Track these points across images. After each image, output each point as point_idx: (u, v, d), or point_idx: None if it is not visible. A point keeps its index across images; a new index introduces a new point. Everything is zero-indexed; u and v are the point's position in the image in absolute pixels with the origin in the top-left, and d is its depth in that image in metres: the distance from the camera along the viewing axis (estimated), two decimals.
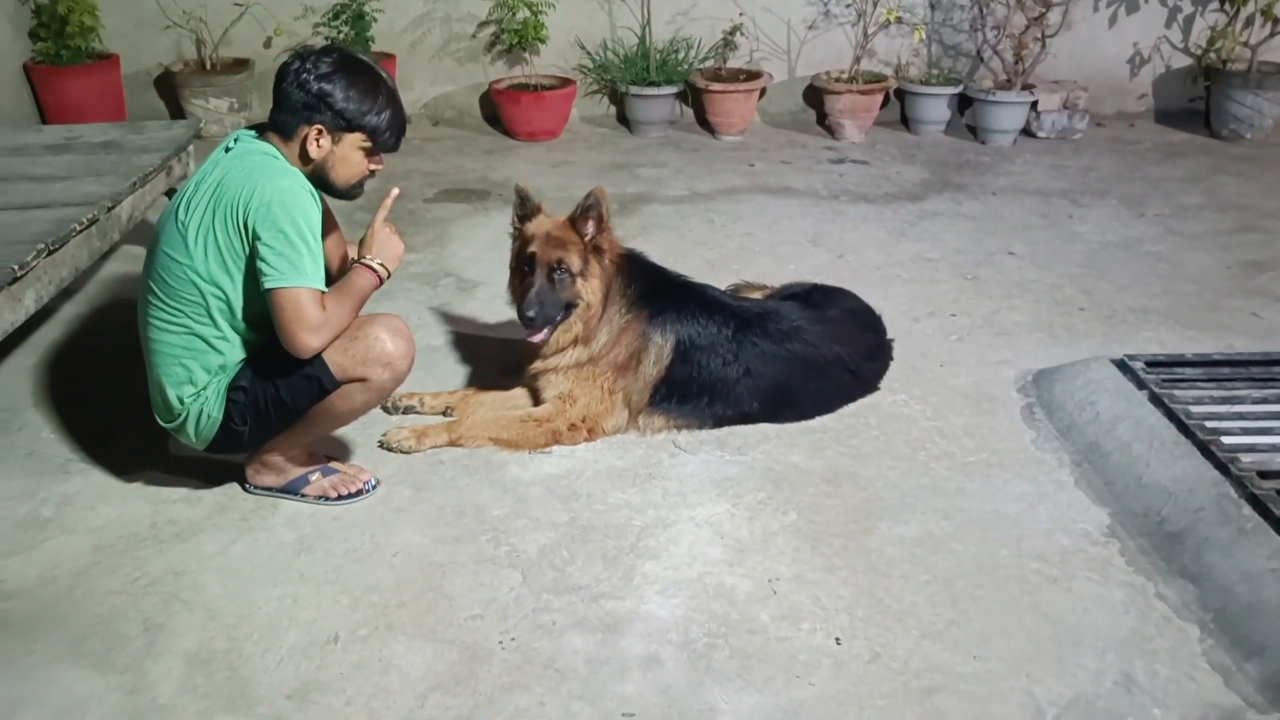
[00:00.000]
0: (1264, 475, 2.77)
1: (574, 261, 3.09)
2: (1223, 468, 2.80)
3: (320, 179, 2.65)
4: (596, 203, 3.07)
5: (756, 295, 3.72)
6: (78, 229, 3.36)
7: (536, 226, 3.13)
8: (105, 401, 3.34)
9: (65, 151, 4.14)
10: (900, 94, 6.61)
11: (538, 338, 3.12)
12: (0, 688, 2.26)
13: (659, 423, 3.23)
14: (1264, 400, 3.21)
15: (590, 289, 3.11)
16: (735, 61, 6.60)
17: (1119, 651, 2.37)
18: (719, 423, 3.24)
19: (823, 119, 6.61)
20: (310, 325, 2.50)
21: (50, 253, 3.19)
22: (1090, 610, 2.50)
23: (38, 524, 2.79)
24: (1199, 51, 6.56)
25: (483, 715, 2.19)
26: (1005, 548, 2.71)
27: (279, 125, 2.62)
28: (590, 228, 3.10)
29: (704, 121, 6.54)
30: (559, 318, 3.13)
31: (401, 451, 3.09)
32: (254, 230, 2.48)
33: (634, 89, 6.37)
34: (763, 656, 2.35)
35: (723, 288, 3.68)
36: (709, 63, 6.61)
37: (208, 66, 6.26)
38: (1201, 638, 2.41)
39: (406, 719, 2.18)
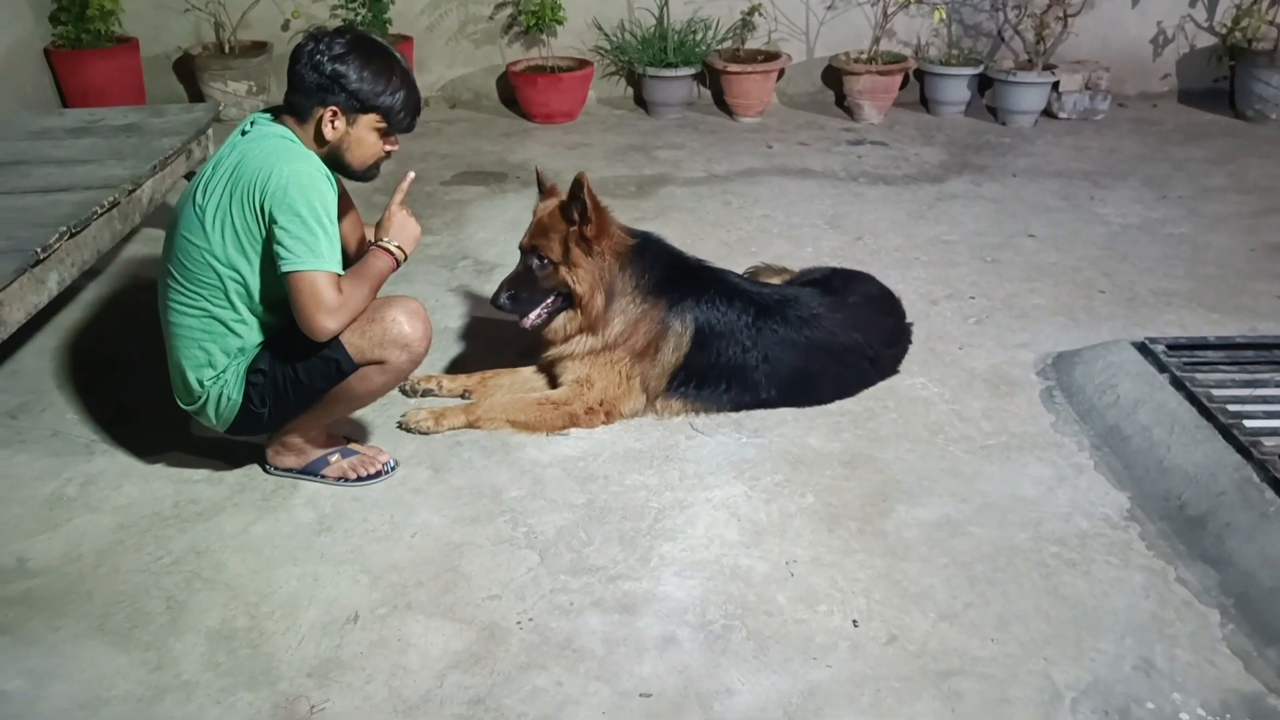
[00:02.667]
0: None
1: (554, 249, 3.07)
2: (1245, 451, 2.78)
3: (336, 161, 2.66)
4: (579, 190, 3.01)
5: (776, 279, 3.71)
6: (99, 212, 3.38)
7: (539, 209, 3.14)
8: (127, 383, 3.37)
9: (87, 135, 4.17)
10: (920, 75, 6.55)
11: (525, 323, 3.13)
12: (30, 661, 2.30)
13: (676, 407, 3.23)
14: None
15: (576, 278, 3.07)
16: (753, 42, 6.56)
17: (1138, 636, 2.36)
18: (736, 408, 3.23)
19: (841, 100, 6.57)
20: (327, 308, 2.51)
21: (72, 235, 3.21)
22: (1109, 594, 2.49)
23: (63, 503, 2.83)
24: (1224, 30, 6.47)
25: (500, 694, 2.21)
26: (1024, 531, 2.71)
27: (294, 107, 2.62)
28: (576, 216, 3.05)
29: (722, 103, 6.51)
30: (553, 305, 3.12)
31: (420, 433, 3.11)
32: (270, 214, 2.49)
33: (651, 70, 6.34)
34: (779, 638, 2.36)
35: (741, 271, 3.68)
36: (727, 44, 6.57)
37: (226, 49, 6.27)
38: (1222, 622, 2.39)
39: (426, 697, 2.20)
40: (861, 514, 2.78)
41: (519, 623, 2.40)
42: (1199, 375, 3.19)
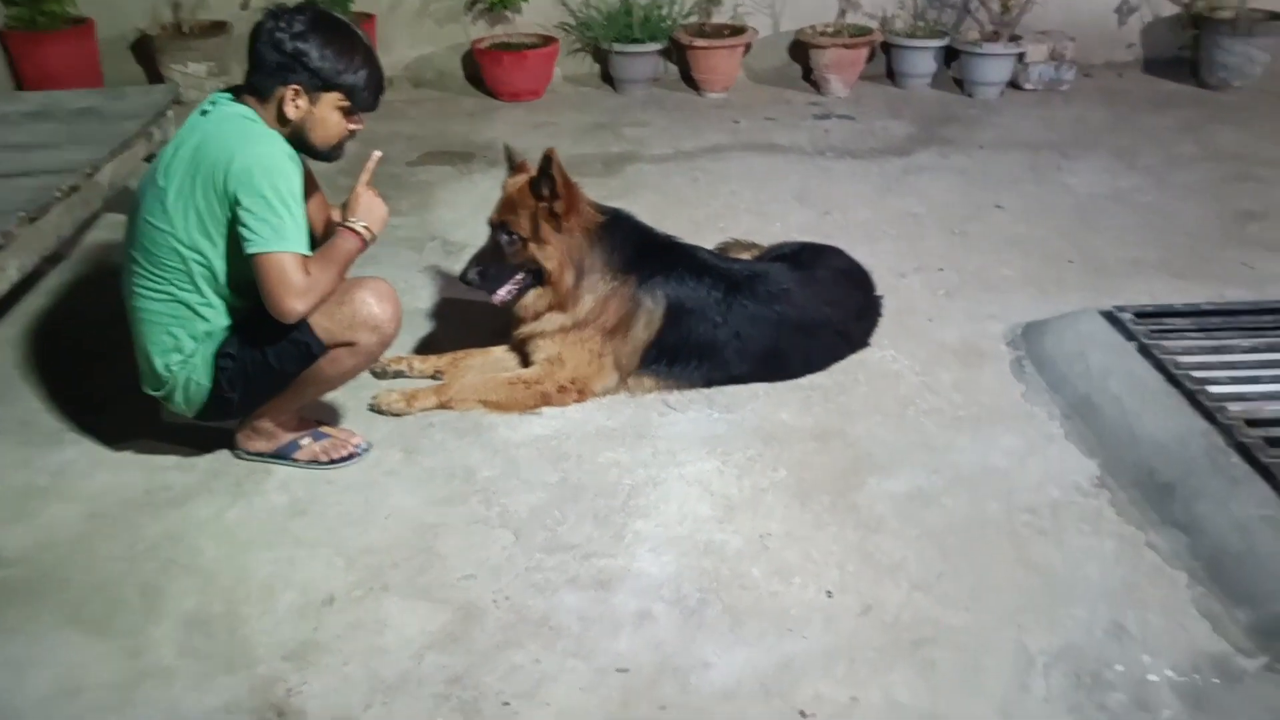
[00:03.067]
0: (1252, 423, 2.78)
1: (522, 225, 3.06)
2: (1210, 417, 2.82)
3: (299, 141, 2.62)
4: (548, 166, 2.99)
5: (746, 255, 3.71)
6: (59, 196, 3.33)
7: (509, 185, 3.13)
8: (94, 370, 3.32)
9: (44, 119, 4.09)
10: (886, 47, 6.55)
11: (496, 299, 3.13)
12: (8, 650, 2.28)
13: (648, 384, 3.23)
14: (1253, 349, 3.22)
15: (545, 254, 3.07)
16: (719, 17, 6.53)
17: (1109, 601, 2.39)
18: (708, 384, 3.24)
19: (808, 74, 6.55)
20: (295, 290, 2.48)
21: (32, 221, 3.16)
22: (1081, 561, 2.52)
23: (34, 493, 2.79)
24: None
25: (478, 672, 2.21)
26: (995, 501, 2.73)
27: (255, 87, 2.58)
28: (545, 192, 3.04)
29: (688, 79, 6.48)
30: (522, 282, 3.12)
31: (392, 414, 3.09)
32: (234, 195, 2.45)
33: (617, 47, 6.30)
34: (754, 611, 2.37)
35: (710, 246, 3.67)
36: (693, 19, 6.53)
37: (184, 30, 6.16)
38: (1191, 585, 2.43)
39: (404, 677, 2.20)
40: (834, 487, 2.80)
41: (495, 601, 2.40)
42: (1166, 343, 3.23)
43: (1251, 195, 4.72)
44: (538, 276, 3.12)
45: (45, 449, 2.97)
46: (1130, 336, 3.26)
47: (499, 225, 3.11)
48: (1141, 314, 3.42)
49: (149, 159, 4.05)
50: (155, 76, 6.22)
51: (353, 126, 2.68)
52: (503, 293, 3.13)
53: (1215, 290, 3.80)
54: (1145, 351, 3.17)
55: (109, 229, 4.26)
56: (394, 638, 2.31)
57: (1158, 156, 5.23)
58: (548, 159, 2.98)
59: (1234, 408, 2.86)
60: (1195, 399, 2.89)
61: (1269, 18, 6.28)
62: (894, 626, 2.33)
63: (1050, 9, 6.44)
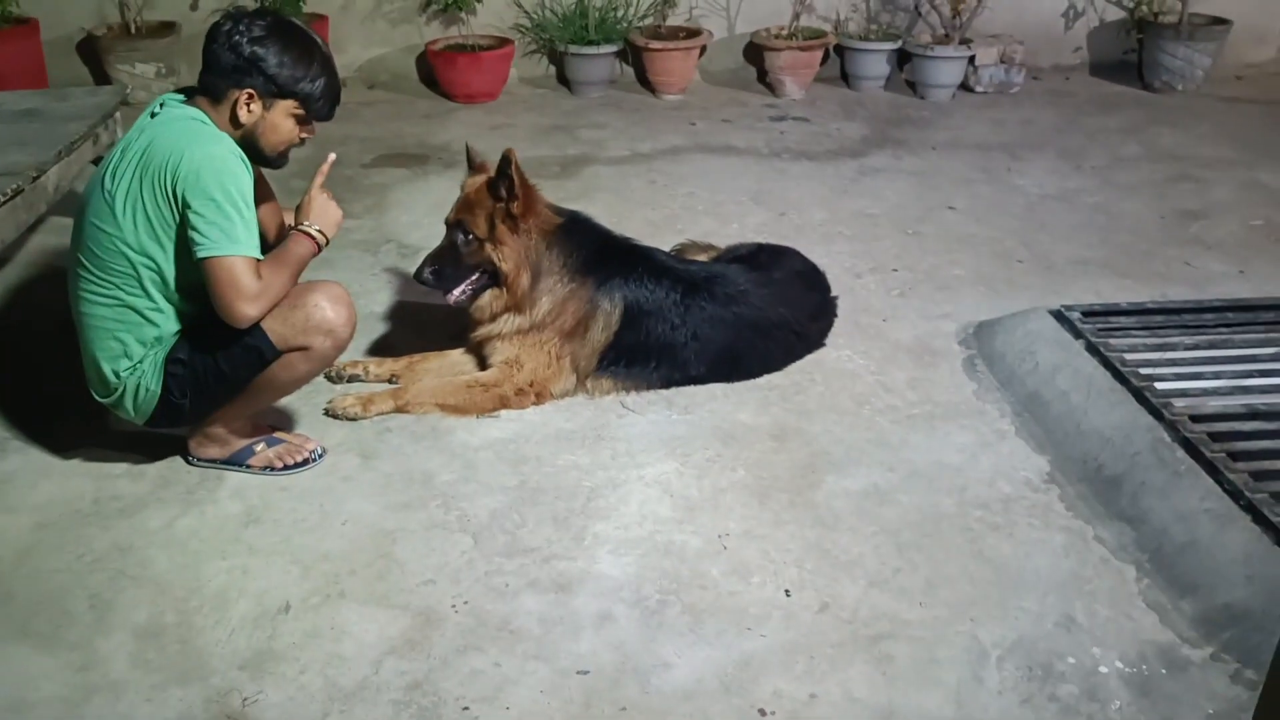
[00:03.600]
0: (1196, 419, 2.85)
1: (479, 225, 3.06)
2: (1157, 413, 2.88)
3: (249, 145, 2.58)
4: (506, 167, 2.99)
5: (702, 256, 3.72)
6: (2, 201, 3.26)
7: (467, 184, 3.14)
8: (40, 378, 3.26)
9: None
10: (840, 50, 6.61)
11: (450, 299, 3.13)
12: None
13: (606, 386, 3.23)
14: (1195, 346, 3.30)
15: (501, 255, 3.06)
16: (674, 19, 6.55)
17: (1059, 593, 2.44)
18: (667, 385, 3.25)
19: (763, 76, 6.60)
20: (247, 294, 2.45)
21: None
22: (1031, 555, 2.57)
23: None
24: (1131, 4, 6.64)
25: (438, 678, 2.20)
26: (949, 497, 2.77)
27: (208, 88, 2.55)
28: (503, 193, 3.04)
29: (644, 81, 6.49)
30: (476, 283, 3.12)
31: (348, 418, 3.06)
32: (183, 198, 2.42)
33: (573, 48, 6.30)
34: (714, 611, 2.39)
35: (667, 248, 3.69)
36: (648, 21, 6.55)
37: (132, 30, 6.06)
38: (1138, 578, 2.49)
39: (362, 684, 2.19)
40: (791, 486, 2.82)
41: (454, 606, 2.39)
42: (1112, 340, 3.29)
43: (1192, 195, 4.83)
44: (493, 278, 3.11)
45: None
46: (1078, 335, 3.33)
47: (455, 225, 3.11)
48: (1089, 313, 3.49)
49: (96, 161, 3.99)
50: (102, 78, 6.12)
51: (304, 135, 2.66)
52: (457, 293, 3.12)
53: (1158, 289, 3.88)
54: (1093, 349, 3.23)
55: (54, 233, 4.18)
56: (352, 645, 2.29)
57: (1104, 158, 5.34)
58: (506, 159, 2.98)
59: (1179, 404, 2.93)
60: (1142, 395, 2.96)
61: (1211, 23, 6.43)
62: (851, 622, 2.35)
63: (1000, 13, 6.54)
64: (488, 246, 3.07)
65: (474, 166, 3.20)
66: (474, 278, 3.12)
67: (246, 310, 2.46)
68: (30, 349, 3.44)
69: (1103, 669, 2.23)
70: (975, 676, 2.21)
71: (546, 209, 3.18)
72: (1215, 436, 2.77)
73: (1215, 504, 2.55)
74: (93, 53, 6.16)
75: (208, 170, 2.42)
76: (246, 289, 2.44)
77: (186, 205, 2.42)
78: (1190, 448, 2.73)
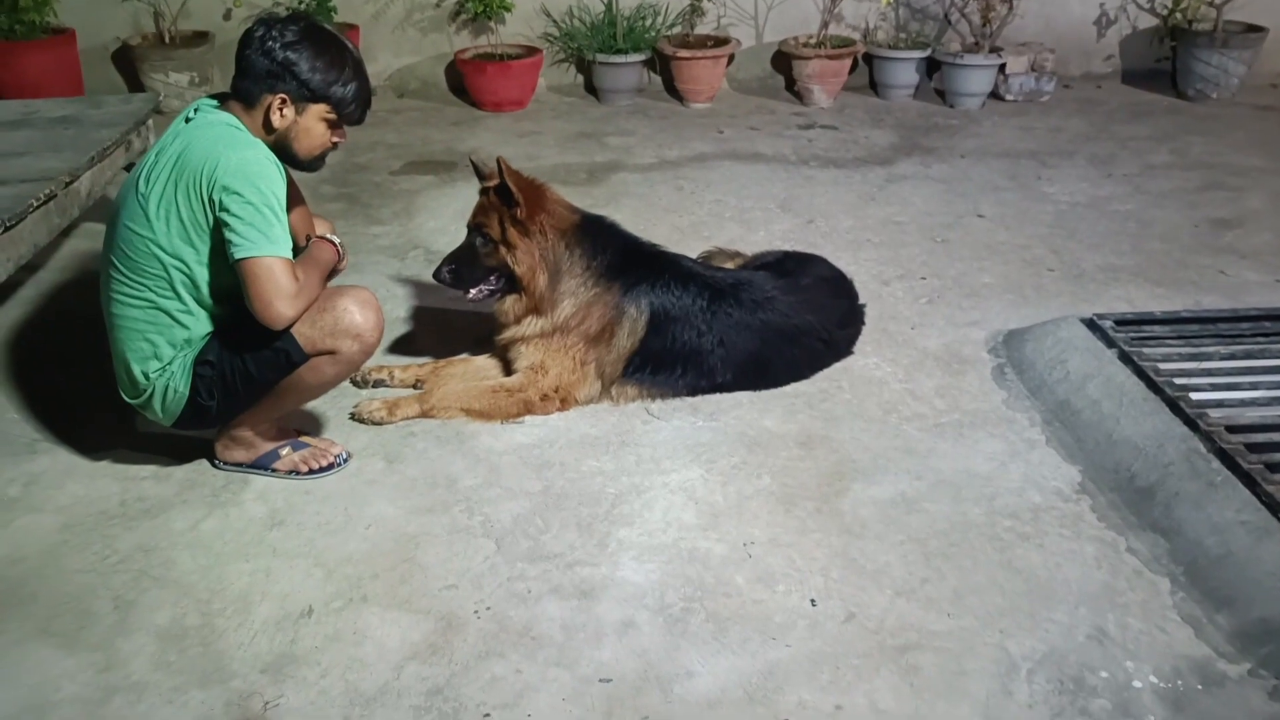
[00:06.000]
0: (1232, 430, 2.80)
1: (492, 228, 3.09)
2: (1191, 423, 2.83)
3: (283, 150, 2.60)
4: (500, 174, 3.01)
5: (730, 263, 3.71)
6: (35, 205, 3.29)
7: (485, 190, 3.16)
8: (70, 380, 3.29)
9: (22, 127, 4.05)
10: (868, 58, 6.58)
11: (468, 297, 3.17)
12: None
13: (632, 393, 3.21)
14: (1231, 356, 3.24)
15: (515, 258, 3.08)
16: (703, 28, 6.55)
17: (1091, 605, 2.39)
18: (692, 392, 3.23)
19: (791, 85, 6.57)
20: (286, 294, 2.46)
21: (7, 229, 3.13)
22: (1062, 566, 2.52)
23: (5, 503, 2.75)
24: (1165, 11, 6.56)
25: (459, 684, 2.19)
26: (978, 506, 2.73)
27: (241, 93, 2.57)
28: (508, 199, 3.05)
29: (672, 89, 6.49)
30: (495, 284, 3.14)
31: (373, 423, 3.07)
32: (220, 202, 2.43)
33: (601, 57, 6.31)
34: (738, 619, 2.36)
35: (694, 255, 3.67)
36: (676, 29, 6.55)
37: (166, 40, 6.14)
38: (1172, 590, 2.43)
39: (383, 689, 2.18)
40: (818, 494, 2.79)
41: (476, 612, 2.38)
42: (1146, 350, 3.24)
43: (1226, 204, 4.75)
44: (512, 281, 3.12)
45: (18, 458, 2.93)
46: (1110, 343, 3.27)
47: (474, 228, 3.15)
48: (1121, 321, 3.43)
49: (128, 168, 4.03)
50: (137, 86, 6.20)
51: (336, 139, 2.68)
52: (474, 292, 3.15)
53: (1192, 297, 3.82)
54: (1126, 358, 3.18)
55: (87, 238, 4.23)
56: (373, 649, 2.28)
57: (1135, 165, 5.27)
58: (499, 167, 3.00)
59: (1214, 414, 2.87)
60: (1176, 405, 2.90)
61: (1246, 30, 6.34)
62: (878, 632, 2.32)
63: (1030, 21, 6.49)
64: (502, 249, 3.08)
65: (483, 177, 3.20)
66: (492, 279, 3.14)
67: (285, 310, 2.46)
68: (60, 351, 3.47)
69: (1136, 684, 2.18)
70: (1004, 689, 2.17)
71: (562, 208, 3.18)
72: (1252, 448, 2.71)
73: (1252, 516, 2.50)
74: (128, 62, 6.24)
75: (243, 174, 2.43)
76: (285, 289, 2.45)
77: (223, 208, 2.43)
78: (1226, 459, 2.67)
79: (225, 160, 2.44)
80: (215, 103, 2.61)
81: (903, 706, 2.13)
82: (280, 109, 2.55)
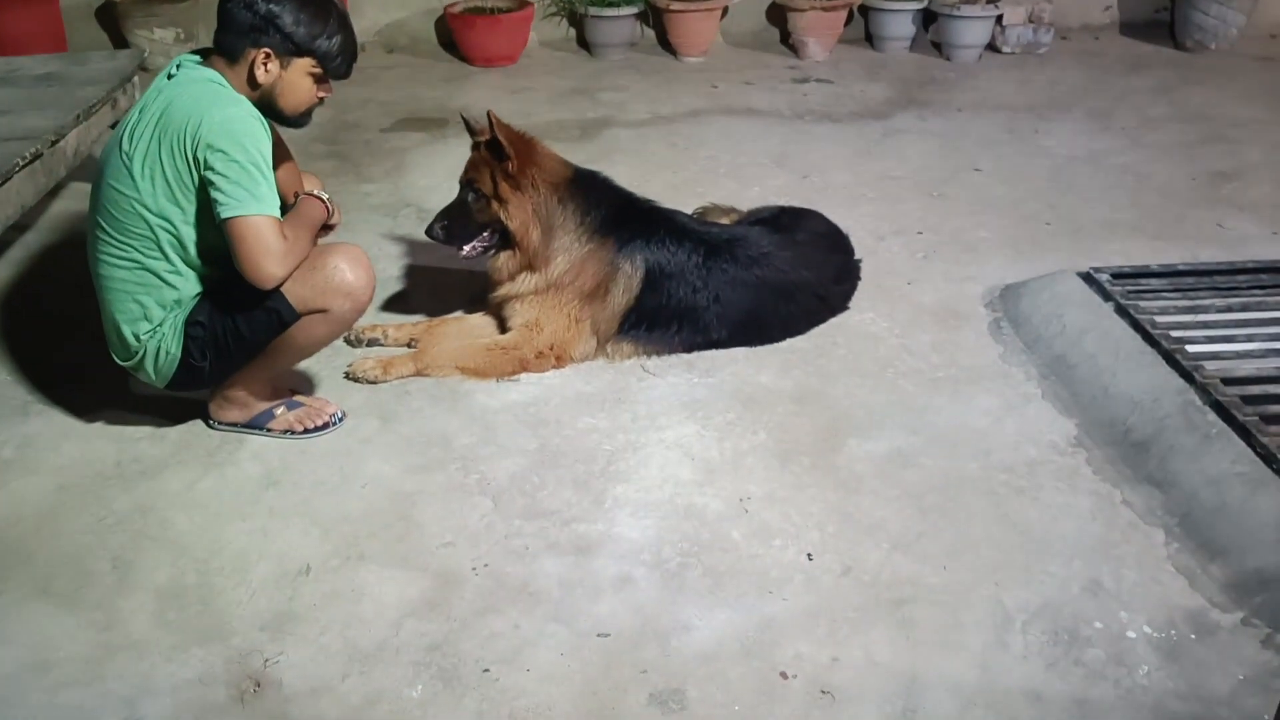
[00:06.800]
0: (1228, 382, 2.80)
1: (484, 183, 3.06)
2: (1188, 376, 2.83)
3: (268, 106, 2.56)
4: (491, 128, 2.98)
5: (724, 219, 3.68)
6: (21, 164, 3.25)
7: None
8: (62, 341, 3.27)
9: (5, 85, 3.99)
10: (864, 10, 6.49)
11: (461, 254, 3.14)
12: None
13: (627, 349, 3.20)
14: (1228, 309, 3.24)
15: (507, 213, 3.06)
16: None
17: (1086, 558, 2.40)
18: (688, 349, 3.22)
19: (786, 38, 6.49)
20: (274, 253, 2.43)
21: None
22: (1058, 519, 2.53)
23: (1, 466, 2.74)
24: None
25: (458, 639, 2.20)
26: (974, 461, 2.73)
27: (224, 48, 2.53)
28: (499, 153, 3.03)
29: (665, 43, 6.41)
30: (488, 240, 3.11)
31: (368, 382, 3.06)
32: (205, 160, 2.40)
33: (593, 10, 6.22)
34: (734, 574, 2.37)
35: (689, 211, 3.64)
36: None
37: None
38: (1167, 542, 2.45)
39: (382, 645, 2.19)
40: (814, 449, 2.79)
41: (474, 569, 2.39)
42: (1143, 303, 3.23)
43: (1224, 156, 4.72)
44: (505, 237, 3.09)
45: (12, 421, 2.92)
46: (1107, 297, 3.27)
47: (465, 184, 3.12)
48: (1118, 274, 3.42)
49: (115, 126, 3.97)
50: (121, 43, 6.09)
51: (322, 94, 2.64)
52: (468, 249, 3.12)
53: (1189, 250, 3.81)
54: (1122, 312, 3.18)
55: (75, 198, 4.18)
56: (372, 606, 2.29)
57: (1133, 118, 5.23)
58: (489, 121, 2.97)
59: (1210, 366, 2.87)
60: (1173, 358, 2.90)
61: None
62: (874, 586, 2.33)
63: None
64: (494, 204, 3.06)
65: (474, 132, 3.16)
66: (484, 235, 3.11)
67: (273, 269, 2.44)
68: (51, 313, 3.45)
69: (1130, 634, 2.20)
70: (999, 641, 2.19)
71: (554, 162, 3.15)
72: (1248, 400, 2.72)
73: (1247, 468, 2.50)
74: (111, 18, 6.14)
75: (228, 131, 2.40)
76: (273, 248, 2.42)
77: (208, 167, 2.40)
78: (1222, 411, 2.68)
79: (209, 118, 2.40)
80: (198, 59, 2.57)
81: (899, 659, 2.15)
82: (264, 64, 2.51)
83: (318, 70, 2.57)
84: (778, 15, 6.54)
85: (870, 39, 6.53)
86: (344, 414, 2.91)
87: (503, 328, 3.23)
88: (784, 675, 2.11)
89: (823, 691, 2.08)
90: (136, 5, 5.99)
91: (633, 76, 6.01)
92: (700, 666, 2.14)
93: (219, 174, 2.39)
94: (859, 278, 3.55)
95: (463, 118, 3.23)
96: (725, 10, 6.39)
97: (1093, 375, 3.00)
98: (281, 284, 2.48)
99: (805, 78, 5.98)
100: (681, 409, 2.96)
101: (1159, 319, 3.12)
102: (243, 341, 2.60)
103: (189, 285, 2.60)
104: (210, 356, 2.61)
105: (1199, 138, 4.95)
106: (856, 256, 3.58)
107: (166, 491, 2.64)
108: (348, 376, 3.09)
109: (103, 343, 2.72)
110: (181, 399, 2.86)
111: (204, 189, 2.43)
